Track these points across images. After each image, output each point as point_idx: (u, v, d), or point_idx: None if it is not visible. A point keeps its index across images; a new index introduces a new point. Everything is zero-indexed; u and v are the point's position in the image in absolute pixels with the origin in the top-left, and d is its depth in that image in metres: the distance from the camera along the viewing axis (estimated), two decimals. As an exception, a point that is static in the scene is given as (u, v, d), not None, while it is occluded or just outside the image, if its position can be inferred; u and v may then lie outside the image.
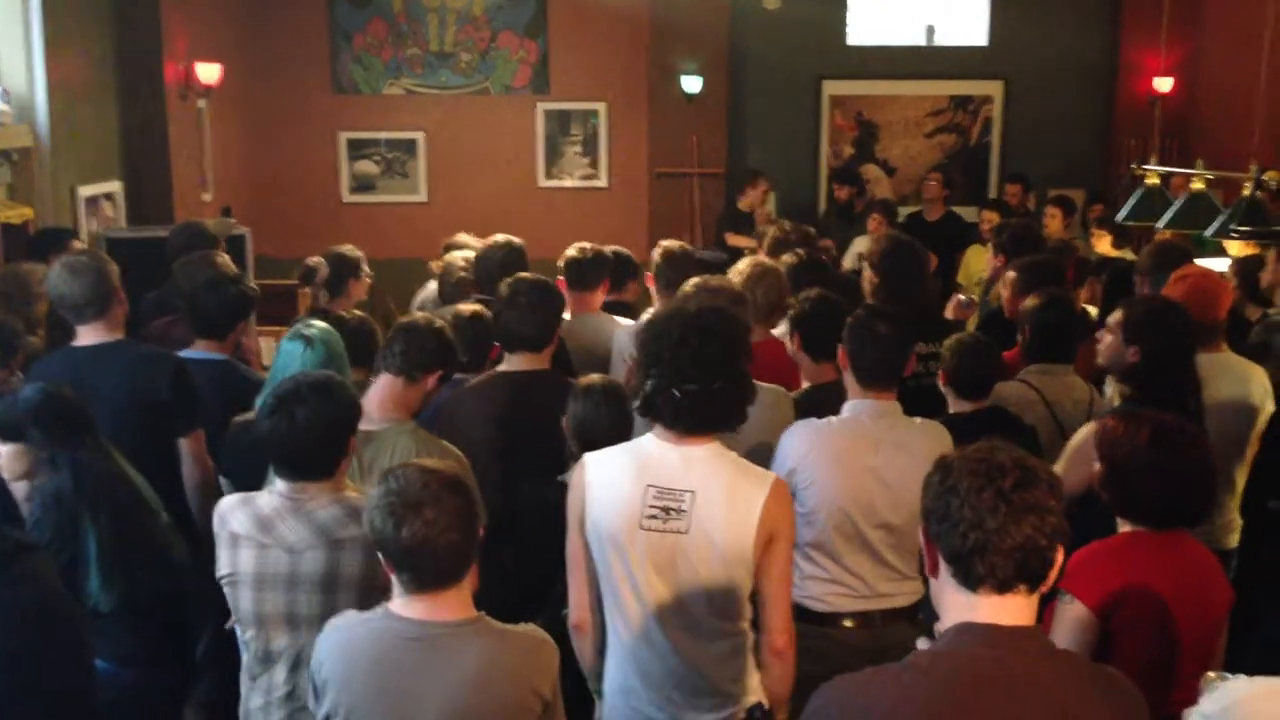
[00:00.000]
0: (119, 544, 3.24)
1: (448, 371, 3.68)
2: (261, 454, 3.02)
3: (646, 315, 2.94)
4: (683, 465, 2.75)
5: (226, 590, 2.94)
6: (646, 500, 2.73)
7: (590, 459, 2.85)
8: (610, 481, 2.78)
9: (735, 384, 2.76)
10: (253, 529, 2.89)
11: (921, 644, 2.09)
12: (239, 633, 2.98)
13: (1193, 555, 2.84)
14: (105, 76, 7.54)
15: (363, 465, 3.35)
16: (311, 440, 2.87)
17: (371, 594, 2.82)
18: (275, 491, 2.94)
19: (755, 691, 2.90)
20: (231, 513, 2.95)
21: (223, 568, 2.93)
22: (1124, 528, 2.86)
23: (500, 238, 5.28)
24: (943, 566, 1.96)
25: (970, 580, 1.92)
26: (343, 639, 2.53)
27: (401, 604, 2.48)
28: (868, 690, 1.93)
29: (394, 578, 2.48)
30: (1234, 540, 4.24)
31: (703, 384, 2.70)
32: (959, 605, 1.95)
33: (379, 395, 3.52)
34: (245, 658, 2.97)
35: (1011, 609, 1.93)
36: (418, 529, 2.36)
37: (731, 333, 2.81)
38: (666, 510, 2.72)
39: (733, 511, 2.73)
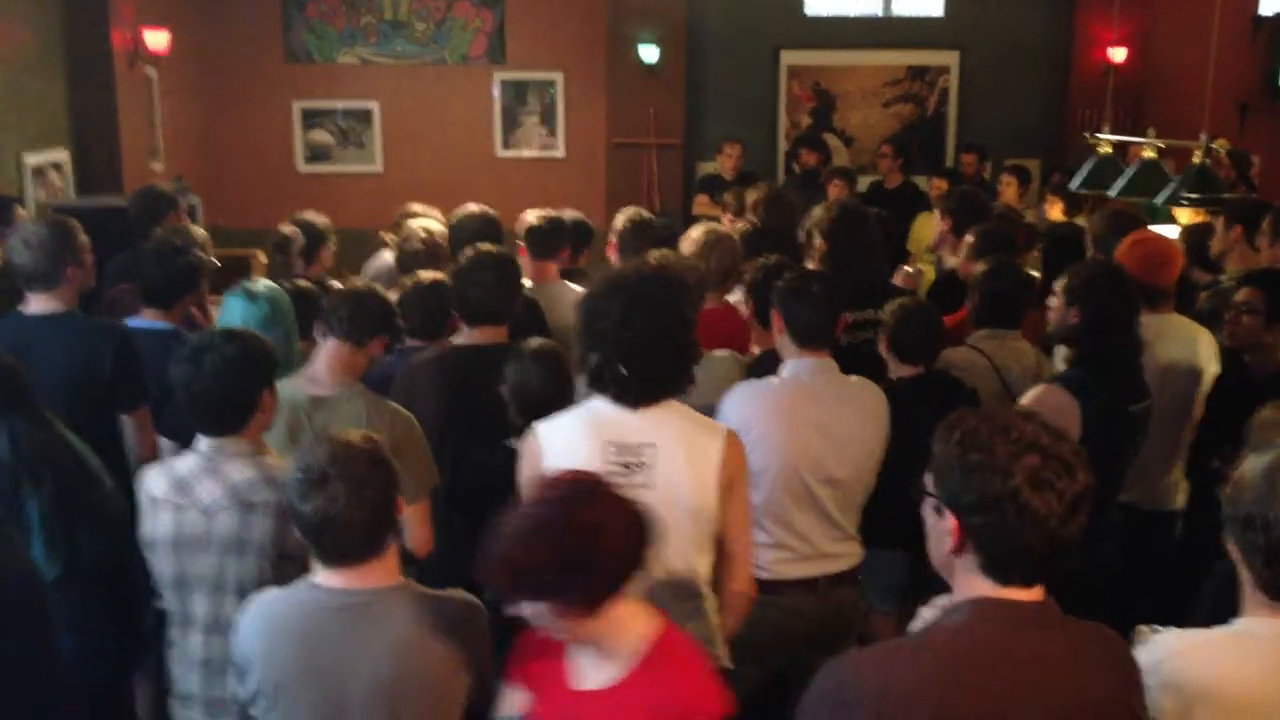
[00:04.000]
0: (61, 512, 3.21)
1: (392, 338, 3.65)
2: None
3: (587, 286, 2.92)
4: (639, 421, 2.74)
5: (147, 555, 2.92)
6: (607, 457, 2.71)
7: (541, 426, 2.82)
8: (566, 444, 2.75)
9: (679, 353, 2.75)
10: (170, 491, 2.88)
11: (926, 613, 2.07)
12: (159, 599, 2.96)
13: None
14: (51, 44, 7.40)
15: (314, 431, 3.32)
16: (216, 387, 2.84)
17: (283, 562, 2.80)
18: (194, 452, 2.93)
19: (718, 653, 2.88)
20: (152, 477, 2.95)
21: (144, 532, 2.92)
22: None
23: (474, 207, 5.23)
24: (974, 558, 1.88)
25: (1005, 578, 1.88)
26: (265, 614, 2.49)
27: (324, 575, 2.45)
28: (885, 668, 1.87)
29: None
30: (1180, 500, 4.30)
31: (647, 357, 2.69)
32: (977, 585, 1.90)
33: (327, 361, 3.48)
34: (169, 625, 2.95)
35: (1032, 590, 1.91)
36: (320, 504, 2.34)
37: (672, 303, 2.78)
38: (628, 466, 2.70)
39: (694, 463, 2.74)
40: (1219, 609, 2.64)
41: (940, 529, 1.91)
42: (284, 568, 2.80)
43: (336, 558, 2.42)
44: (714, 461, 2.76)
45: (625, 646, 2.19)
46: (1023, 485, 1.80)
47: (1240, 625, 2.12)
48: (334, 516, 2.35)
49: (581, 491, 2.18)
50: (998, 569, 1.87)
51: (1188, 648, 2.10)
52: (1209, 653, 2.09)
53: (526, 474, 2.81)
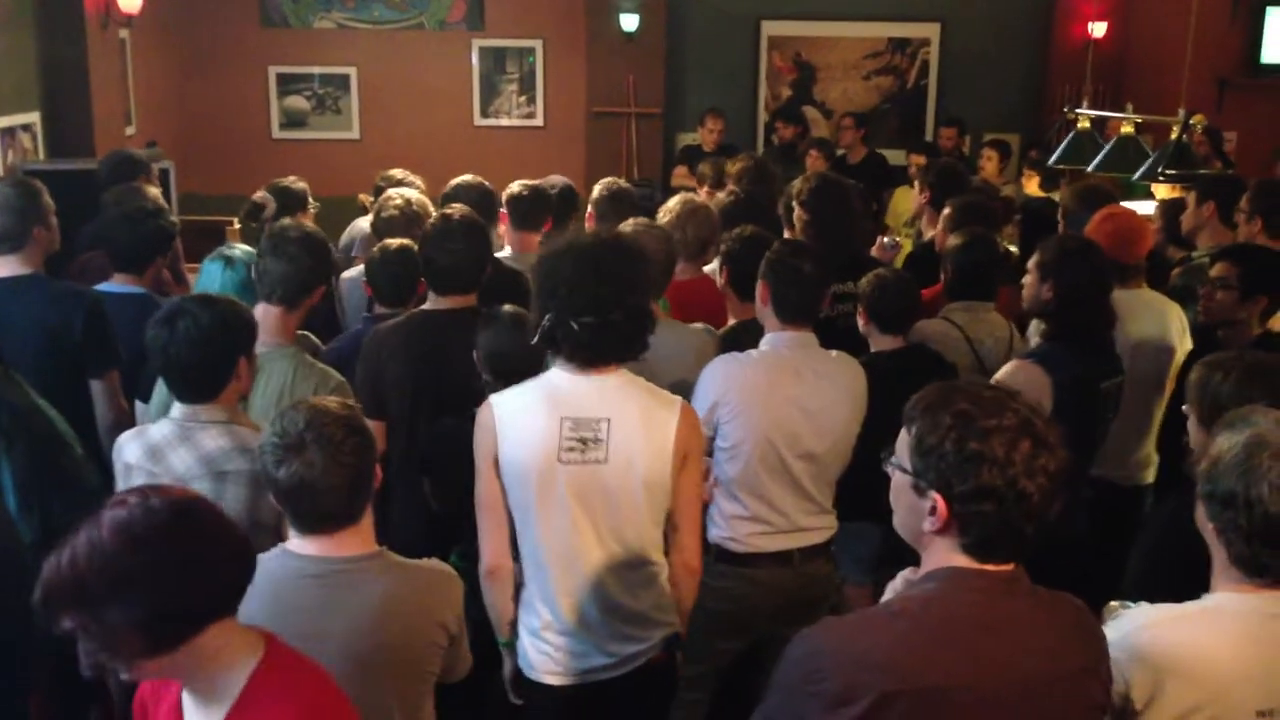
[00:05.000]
0: (34, 477, 3.18)
1: (327, 285, 3.59)
2: None
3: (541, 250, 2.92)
4: (596, 394, 2.74)
5: None
6: (563, 433, 2.71)
7: (496, 399, 2.81)
8: (521, 418, 2.75)
9: (633, 315, 2.74)
10: (144, 459, 2.87)
11: (898, 583, 2.06)
12: None
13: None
14: (21, 4, 7.28)
15: None
16: (189, 351, 2.82)
17: (256, 531, 2.79)
18: (169, 419, 2.91)
19: (671, 621, 2.92)
20: (126, 444, 2.93)
21: None
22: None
23: (469, 177, 5.18)
24: (957, 538, 1.87)
25: (987, 557, 1.87)
26: None
27: (298, 543, 2.44)
28: (861, 636, 1.86)
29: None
30: (1150, 476, 4.33)
31: (599, 316, 2.68)
32: (953, 559, 1.89)
33: (265, 321, 3.38)
34: None
35: (1005, 564, 1.91)
36: (296, 470, 2.32)
37: (627, 263, 2.77)
38: (584, 441, 2.71)
39: (649, 436, 2.74)
40: (1158, 560, 2.67)
41: (918, 507, 1.89)
42: (257, 537, 2.79)
43: (313, 524, 2.40)
44: (669, 435, 2.76)
45: (221, 683, 1.89)
46: (1020, 474, 1.80)
47: (1211, 600, 2.13)
48: (311, 482, 2.33)
49: (163, 512, 1.82)
50: (982, 549, 1.87)
51: (1158, 622, 2.11)
52: (1180, 627, 2.10)
53: (481, 447, 2.80)
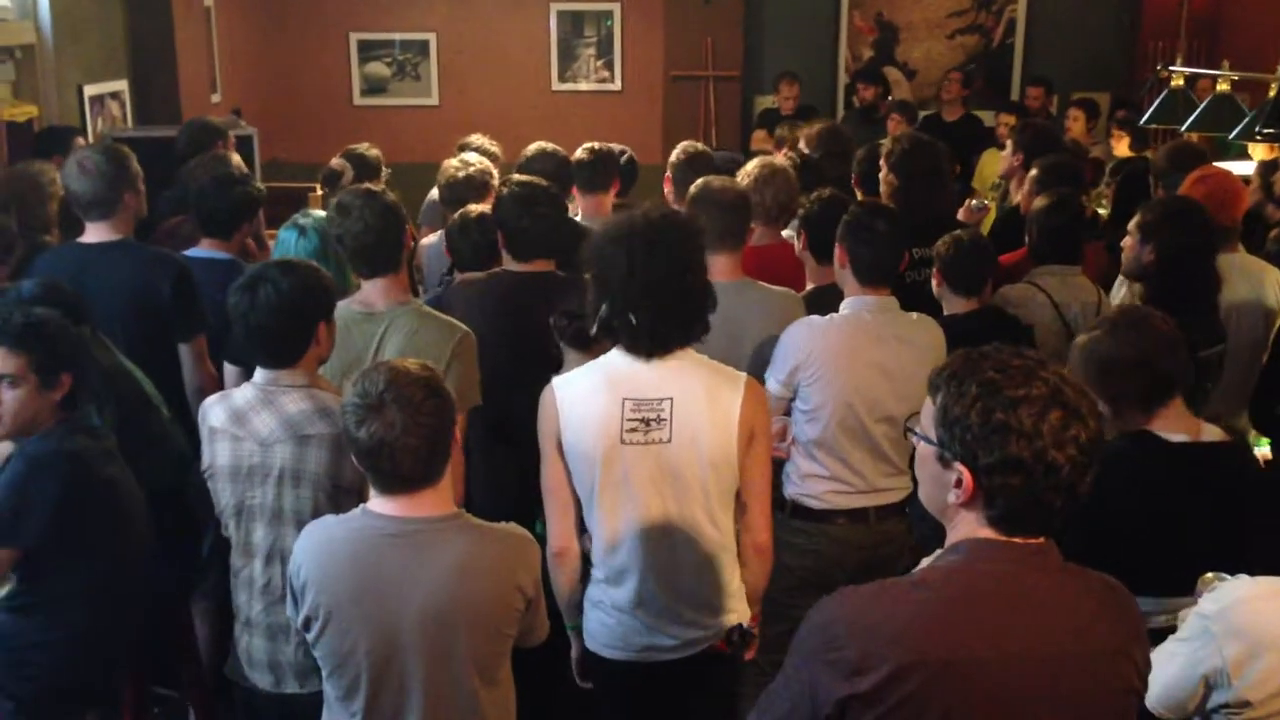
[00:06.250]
0: (124, 437, 3.26)
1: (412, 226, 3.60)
2: None
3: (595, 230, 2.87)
4: (657, 373, 2.71)
5: (209, 484, 2.97)
6: (625, 414, 2.69)
7: (558, 381, 2.80)
8: (583, 401, 2.73)
9: (690, 298, 2.70)
10: (228, 422, 2.91)
11: (925, 561, 2.01)
12: (223, 527, 3.01)
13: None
14: (109, -27, 7.41)
15: (360, 340, 3.31)
16: (270, 317, 2.84)
17: (339, 493, 2.84)
18: (251, 384, 2.95)
19: (737, 609, 2.87)
20: (211, 408, 2.98)
21: (204, 461, 2.97)
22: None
23: (546, 145, 5.15)
24: (983, 510, 1.81)
25: (1014, 531, 1.81)
26: (320, 540, 2.52)
27: (379, 503, 2.48)
28: (877, 605, 1.80)
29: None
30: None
31: (656, 308, 2.65)
32: (979, 532, 1.83)
33: (377, 289, 3.41)
34: (232, 552, 3.00)
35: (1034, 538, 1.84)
36: (375, 430, 2.35)
37: (680, 247, 2.70)
38: (646, 422, 2.68)
39: (714, 414, 2.71)
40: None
41: (943, 479, 1.83)
42: (340, 499, 2.84)
43: (392, 484, 2.44)
44: (734, 412, 2.72)
45: None
46: (1049, 446, 1.73)
47: (1309, 575, 2.07)
48: (390, 442, 2.36)
49: None
50: (1009, 522, 1.80)
51: (1256, 596, 2.06)
52: (1277, 601, 2.04)
53: (544, 431, 2.80)
